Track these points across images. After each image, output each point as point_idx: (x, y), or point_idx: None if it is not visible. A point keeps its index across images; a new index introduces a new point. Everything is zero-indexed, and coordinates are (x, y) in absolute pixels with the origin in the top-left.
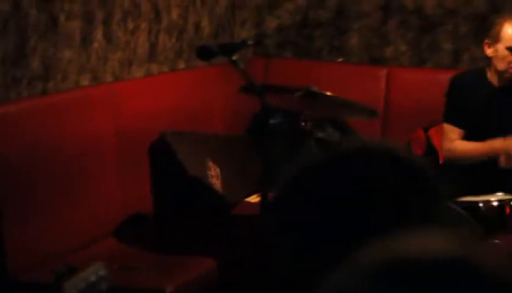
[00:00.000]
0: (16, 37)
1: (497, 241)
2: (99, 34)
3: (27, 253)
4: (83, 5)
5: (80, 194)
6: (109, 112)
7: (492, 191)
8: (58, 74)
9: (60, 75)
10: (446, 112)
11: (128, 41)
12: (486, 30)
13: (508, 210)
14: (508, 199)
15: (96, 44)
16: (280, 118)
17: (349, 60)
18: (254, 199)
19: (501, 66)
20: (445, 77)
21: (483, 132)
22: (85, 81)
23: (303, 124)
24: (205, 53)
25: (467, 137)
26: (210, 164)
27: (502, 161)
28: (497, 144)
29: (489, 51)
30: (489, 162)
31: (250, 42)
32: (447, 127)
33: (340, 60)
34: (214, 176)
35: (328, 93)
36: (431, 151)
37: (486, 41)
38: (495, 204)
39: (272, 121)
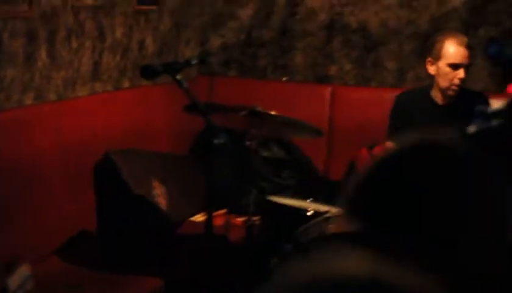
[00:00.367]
0: None
1: None
2: (42, 53)
3: None
4: (27, 23)
5: (22, 213)
6: (53, 130)
7: None
8: (1, 92)
9: (4, 94)
10: (390, 130)
11: (72, 59)
12: (429, 49)
13: None
14: None
15: (39, 63)
16: (225, 137)
17: (294, 79)
18: (199, 218)
19: (443, 83)
20: (389, 96)
21: None
22: (29, 100)
23: (248, 143)
24: (149, 72)
25: None
26: (155, 183)
27: None
28: None
29: (431, 69)
30: None
31: (194, 61)
32: (390, 146)
33: (285, 78)
34: (159, 195)
35: (273, 112)
36: None
37: (428, 59)
38: None
39: (216, 141)
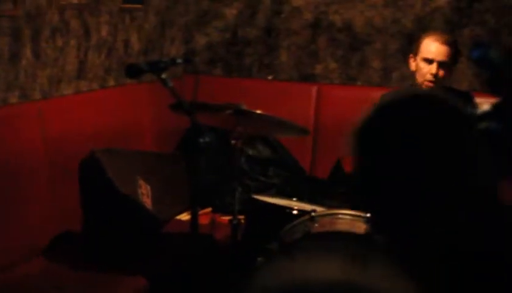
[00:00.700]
0: None
1: None
2: (27, 51)
3: None
4: (11, 21)
5: (8, 212)
6: (37, 129)
7: None
8: None
9: None
10: None
11: (57, 58)
12: (413, 46)
13: None
14: None
15: (24, 62)
16: (210, 136)
17: (279, 78)
18: (185, 217)
19: (419, 78)
20: (375, 95)
21: None
22: (14, 98)
23: (233, 141)
24: (133, 71)
25: None
26: (141, 182)
27: None
28: None
29: (412, 65)
30: None
31: (179, 60)
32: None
33: (270, 77)
34: (145, 193)
35: (258, 111)
36: None
37: (410, 55)
38: None
39: (201, 139)
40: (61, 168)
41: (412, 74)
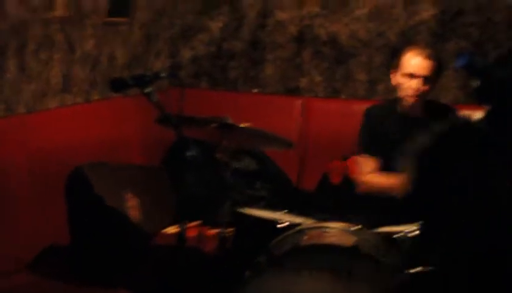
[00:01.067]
0: None
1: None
2: (11, 65)
3: None
4: None
5: None
6: (22, 143)
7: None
8: None
9: None
10: (360, 144)
11: (41, 72)
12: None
13: None
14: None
15: (8, 75)
16: (196, 149)
17: (264, 91)
18: (172, 230)
19: (400, 93)
20: (360, 108)
21: (397, 162)
22: None
23: (219, 155)
24: (118, 85)
25: (382, 168)
26: (127, 195)
27: None
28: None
29: (393, 80)
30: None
31: (163, 74)
32: (362, 159)
33: (255, 90)
34: (132, 207)
35: (243, 125)
36: (349, 181)
37: (391, 70)
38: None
39: (188, 153)
40: (46, 181)
41: (395, 88)
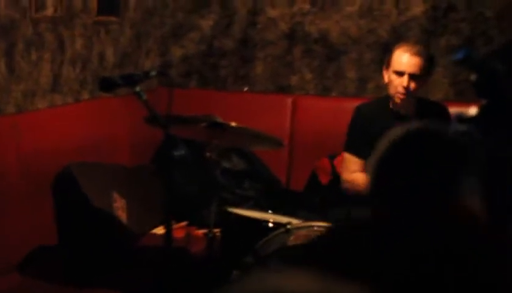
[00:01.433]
0: None
1: None
2: (1, 65)
3: None
4: None
5: None
6: (12, 143)
7: None
8: None
9: None
10: (347, 142)
11: (31, 72)
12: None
13: None
14: None
15: None
16: (185, 148)
17: (255, 89)
18: (160, 230)
19: (391, 91)
20: (350, 106)
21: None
22: None
23: (208, 154)
24: (107, 85)
25: None
26: (115, 196)
27: None
28: None
29: (385, 77)
30: None
31: (153, 73)
32: (348, 158)
33: (245, 89)
34: (120, 207)
35: (233, 123)
36: (337, 179)
37: (383, 67)
38: None
39: (176, 152)
40: (36, 182)
41: (387, 85)
